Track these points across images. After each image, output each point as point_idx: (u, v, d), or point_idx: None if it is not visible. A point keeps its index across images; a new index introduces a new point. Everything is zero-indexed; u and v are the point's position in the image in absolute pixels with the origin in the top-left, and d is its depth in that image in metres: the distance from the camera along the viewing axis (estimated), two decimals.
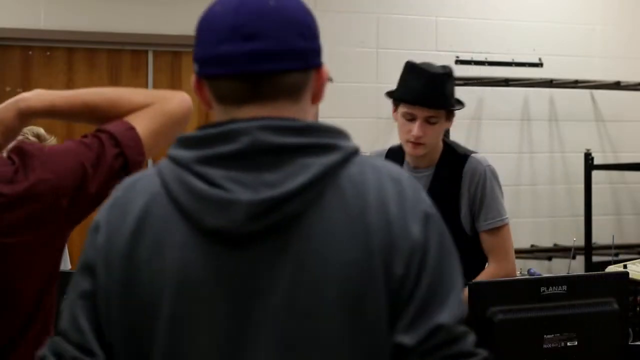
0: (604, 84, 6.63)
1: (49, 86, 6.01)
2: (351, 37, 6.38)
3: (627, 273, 2.93)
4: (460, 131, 6.44)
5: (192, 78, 1.52)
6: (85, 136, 1.91)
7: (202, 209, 1.39)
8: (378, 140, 6.30)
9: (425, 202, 1.46)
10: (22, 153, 1.85)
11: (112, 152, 1.87)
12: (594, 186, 6.42)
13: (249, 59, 1.43)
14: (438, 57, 6.48)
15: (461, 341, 1.41)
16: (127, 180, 1.52)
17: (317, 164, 1.40)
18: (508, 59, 6.63)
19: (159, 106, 1.97)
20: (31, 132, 4.07)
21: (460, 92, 6.43)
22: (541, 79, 6.48)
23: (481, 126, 6.59)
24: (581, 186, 6.45)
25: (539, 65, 6.65)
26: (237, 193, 1.38)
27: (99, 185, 1.86)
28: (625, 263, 3.74)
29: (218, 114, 1.49)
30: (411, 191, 1.45)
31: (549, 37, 6.69)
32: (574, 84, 6.55)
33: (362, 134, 6.49)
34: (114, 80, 6.15)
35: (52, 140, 4.07)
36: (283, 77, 1.44)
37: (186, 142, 1.44)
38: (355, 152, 1.45)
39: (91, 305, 1.45)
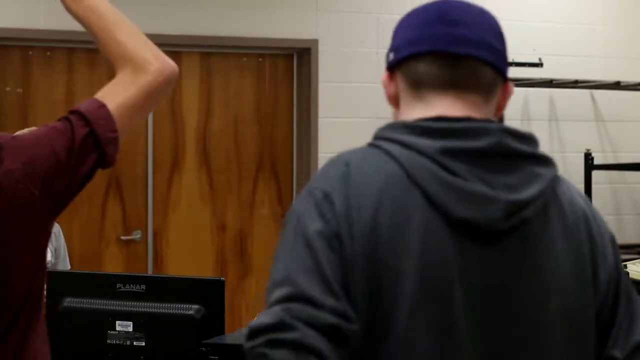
0: (604, 84, 6.63)
1: (49, 86, 6.02)
2: (351, 37, 6.38)
3: (627, 273, 2.93)
4: None
5: (383, 75, 1.58)
6: (58, 120, 1.89)
7: (452, 198, 1.43)
8: None
9: (607, 225, 1.60)
10: None
11: (82, 132, 1.84)
12: (594, 186, 6.41)
13: (453, 40, 1.51)
14: None
15: None
16: (338, 159, 1.51)
17: (546, 175, 1.50)
18: (508, 59, 6.62)
19: (132, 77, 1.94)
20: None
21: None
22: (541, 79, 6.48)
23: None
24: (581, 186, 6.45)
25: (539, 65, 6.65)
26: (496, 190, 1.44)
27: (71, 172, 1.84)
28: (625, 263, 3.75)
29: (409, 102, 1.53)
30: (598, 214, 1.59)
31: (549, 37, 6.69)
32: (574, 84, 6.55)
33: (362, 134, 6.48)
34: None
35: None
36: (480, 67, 1.52)
37: (423, 131, 1.47)
38: None
39: (341, 274, 1.41)
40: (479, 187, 1.44)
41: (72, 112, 1.89)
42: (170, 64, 1.98)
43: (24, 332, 1.88)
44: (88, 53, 6.10)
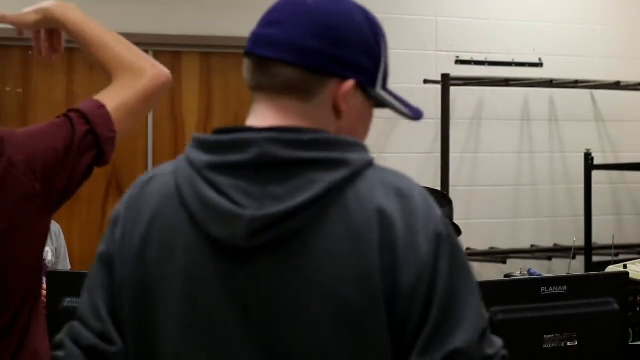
0: (604, 84, 6.63)
1: (49, 86, 6.02)
2: None
3: (627, 273, 2.93)
4: (460, 131, 6.44)
5: None
6: (57, 117, 1.94)
7: (209, 217, 1.41)
8: (378, 140, 6.30)
9: (437, 219, 1.41)
10: None
11: (82, 129, 1.91)
12: (594, 186, 6.41)
13: (259, 41, 1.49)
14: (438, 57, 6.48)
15: None
16: (144, 177, 1.54)
17: (322, 181, 1.38)
18: (508, 59, 6.62)
19: (130, 82, 2.03)
20: None
21: (460, 92, 6.46)
22: (541, 79, 6.48)
23: (481, 126, 6.59)
24: (581, 186, 6.45)
25: (539, 65, 6.65)
26: (242, 206, 1.38)
27: (71, 167, 1.88)
28: (625, 263, 3.75)
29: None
30: (422, 208, 1.41)
31: (549, 37, 6.69)
32: (574, 84, 6.55)
33: None
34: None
35: None
36: (285, 69, 1.45)
37: (201, 145, 1.45)
38: (367, 165, 1.43)
39: (110, 296, 1.50)
40: (225, 204, 1.39)
41: (72, 110, 1.94)
42: (165, 71, 2.09)
43: (24, 330, 1.88)
44: None
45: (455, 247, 1.42)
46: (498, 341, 1.42)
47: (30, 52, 6.03)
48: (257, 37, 1.50)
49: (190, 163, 1.44)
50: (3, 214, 1.81)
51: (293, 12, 1.48)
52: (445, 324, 1.37)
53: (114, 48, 2.10)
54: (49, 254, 4.08)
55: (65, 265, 4.29)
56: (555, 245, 6.68)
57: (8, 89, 5.99)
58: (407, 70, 6.30)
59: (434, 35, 6.44)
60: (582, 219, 6.43)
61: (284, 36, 1.46)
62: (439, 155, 6.00)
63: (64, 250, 4.32)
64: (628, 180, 6.94)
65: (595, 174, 6.41)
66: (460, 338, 1.36)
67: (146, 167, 6.17)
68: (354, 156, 1.42)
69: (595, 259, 6.32)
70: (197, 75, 6.30)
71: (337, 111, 1.47)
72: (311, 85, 1.46)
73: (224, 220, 1.39)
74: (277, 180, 1.39)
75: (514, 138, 6.69)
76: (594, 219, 6.41)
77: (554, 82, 6.48)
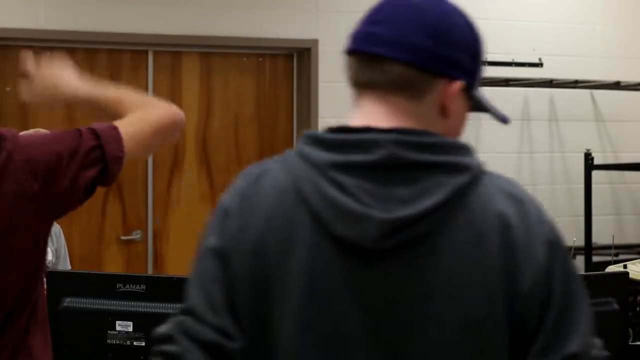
0: (604, 84, 6.63)
1: None
2: None
3: (627, 273, 2.93)
4: None
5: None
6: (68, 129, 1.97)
7: (334, 216, 1.40)
8: None
9: (549, 224, 1.46)
10: None
11: (90, 143, 1.92)
12: (594, 186, 6.41)
13: (367, 39, 1.47)
14: None
15: None
16: (253, 171, 1.51)
17: (449, 184, 1.40)
18: (508, 59, 6.62)
19: (141, 114, 2.07)
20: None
21: None
22: (541, 79, 6.48)
23: (481, 126, 6.59)
24: (581, 186, 6.45)
25: (539, 65, 6.65)
26: (371, 207, 1.38)
27: (73, 175, 1.88)
28: (625, 263, 3.75)
29: (353, 100, 1.52)
30: (535, 214, 1.45)
31: (549, 37, 6.69)
32: (574, 84, 6.55)
33: None
34: (114, 80, 6.13)
35: None
36: (397, 67, 1.45)
37: (319, 143, 1.44)
38: (482, 170, 1.46)
39: (226, 291, 1.44)
40: (352, 204, 1.38)
41: (85, 126, 1.95)
42: (179, 112, 2.13)
43: (22, 333, 1.88)
44: (88, 53, 6.10)
45: (566, 252, 1.47)
46: (598, 342, 1.47)
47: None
48: (365, 35, 1.48)
49: (307, 160, 1.43)
50: (2, 212, 1.82)
51: (400, 11, 1.47)
52: (562, 329, 1.41)
53: (130, 96, 2.17)
54: (49, 254, 4.08)
55: (65, 265, 4.30)
56: None
57: (8, 89, 6.00)
58: None
59: None
60: (582, 219, 6.43)
61: (394, 34, 1.45)
62: None
63: (64, 251, 4.32)
64: (628, 180, 6.94)
65: (595, 174, 6.41)
66: (576, 342, 1.41)
67: (146, 168, 6.17)
68: (471, 161, 1.44)
69: (595, 259, 6.32)
70: (197, 75, 6.30)
71: (444, 111, 1.49)
72: (421, 84, 1.46)
73: (351, 221, 1.38)
74: (403, 183, 1.39)
75: (514, 138, 6.69)
76: (594, 219, 6.41)
77: (554, 82, 6.48)
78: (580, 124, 6.84)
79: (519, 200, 1.45)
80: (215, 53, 6.31)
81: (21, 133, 1.98)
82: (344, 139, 1.43)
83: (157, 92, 6.22)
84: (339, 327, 1.39)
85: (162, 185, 6.20)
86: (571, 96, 6.76)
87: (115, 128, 1.97)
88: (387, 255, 1.39)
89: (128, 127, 2.00)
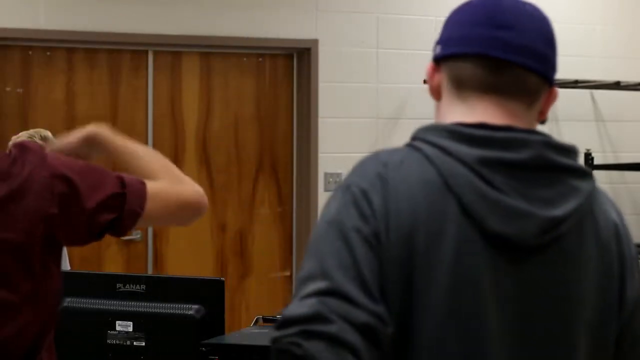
0: (604, 84, 6.63)
1: (49, 86, 6.02)
2: (351, 37, 6.38)
3: None
4: None
5: (428, 65, 1.57)
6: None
7: (488, 210, 1.41)
8: (378, 140, 6.31)
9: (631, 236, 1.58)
10: (22, 147, 1.85)
11: (115, 188, 1.87)
12: None
13: (497, 44, 1.48)
14: None
15: None
16: (386, 158, 1.46)
17: (584, 189, 1.48)
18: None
19: (172, 183, 1.99)
20: (38, 134, 4.05)
21: None
22: None
23: None
24: None
25: None
26: (533, 205, 1.42)
27: (92, 211, 1.82)
28: None
29: (450, 100, 1.51)
30: (626, 226, 1.57)
31: None
32: (574, 84, 6.55)
33: (362, 134, 6.50)
34: (114, 80, 6.15)
35: None
36: (525, 74, 1.50)
37: (463, 137, 1.44)
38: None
39: (378, 275, 1.38)
40: (515, 201, 1.42)
41: (115, 173, 1.91)
42: (205, 199, 2.03)
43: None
44: (88, 53, 6.11)
45: None
46: None
47: (30, 52, 6.04)
48: (493, 40, 1.49)
49: (450, 154, 1.43)
50: (19, 225, 1.80)
51: (521, 17, 1.52)
52: None
53: (152, 156, 2.10)
54: None
55: (65, 265, 4.30)
56: None
57: (8, 89, 5.99)
58: (407, 70, 6.30)
59: (434, 35, 6.42)
60: None
61: (524, 42, 1.50)
62: None
63: (64, 251, 4.32)
64: (628, 180, 6.94)
65: (595, 174, 6.37)
66: None
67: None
68: (588, 168, 1.56)
69: None
70: (197, 75, 6.30)
71: (541, 116, 1.55)
72: (537, 92, 1.52)
73: (509, 217, 1.41)
74: (545, 184, 1.44)
75: None
76: None
77: (554, 82, 6.47)
78: (580, 124, 6.84)
79: (619, 212, 1.57)
80: (215, 53, 6.31)
81: (48, 150, 1.94)
82: (490, 135, 1.44)
83: (157, 92, 6.23)
84: (479, 322, 1.41)
85: None
86: (571, 96, 6.76)
87: (143, 184, 1.92)
88: (534, 252, 1.44)
89: (156, 189, 1.94)
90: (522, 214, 1.41)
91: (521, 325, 1.44)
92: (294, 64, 6.48)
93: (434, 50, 1.57)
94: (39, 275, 1.82)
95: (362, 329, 1.33)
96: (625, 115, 6.96)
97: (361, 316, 1.33)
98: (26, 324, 1.82)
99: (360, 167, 1.46)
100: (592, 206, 1.49)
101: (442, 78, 1.54)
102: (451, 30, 1.54)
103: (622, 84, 6.61)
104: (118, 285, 3.01)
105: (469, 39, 1.50)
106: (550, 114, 6.62)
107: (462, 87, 1.50)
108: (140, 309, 2.96)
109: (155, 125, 6.22)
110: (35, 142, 1.90)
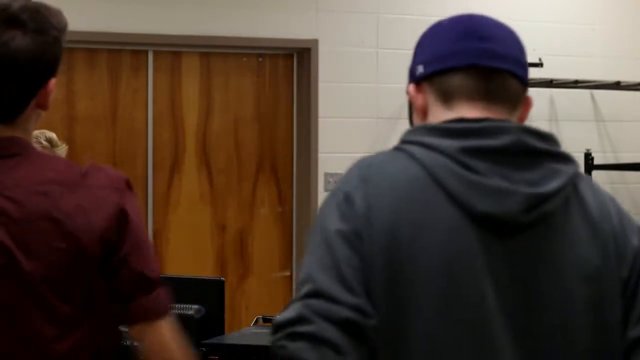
0: (604, 84, 6.63)
1: None
2: (351, 37, 6.38)
3: None
4: None
5: (409, 88, 1.63)
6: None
7: (473, 194, 1.48)
8: (378, 140, 6.30)
9: (629, 216, 1.63)
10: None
11: (154, 274, 1.92)
12: None
13: (485, 54, 1.57)
14: None
15: None
16: (367, 161, 1.56)
17: (567, 171, 1.53)
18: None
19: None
20: (44, 135, 4.02)
21: None
22: (541, 79, 6.47)
23: None
24: None
25: (539, 65, 6.64)
26: (517, 184, 1.48)
27: (115, 267, 1.83)
28: None
29: (439, 113, 1.57)
30: (622, 209, 1.62)
31: (549, 37, 6.69)
32: (574, 84, 6.55)
33: (362, 134, 6.49)
34: (114, 80, 6.15)
35: (63, 147, 4.03)
36: (509, 80, 1.58)
37: (443, 132, 1.52)
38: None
39: (360, 272, 1.46)
40: (498, 182, 1.48)
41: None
42: None
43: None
44: (88, 53, 6.10)
45: None
46: None
47: None
48: (480, 51, 1.57)
49: (433, 148, 1.50)
50: (60, 260, 1.77)
51: (496, 29, 1.64)
52: None
53: None
54: None
55: None
56: None
57: None
58: (407, 70, 6.29)
59: None
60: None
61: (506, 51, 1.60)
62: None
63: None
64: (628, 180, 6.94)
65: (595, 174, 6.41)
66: None
67: (146, 168, 6.17)
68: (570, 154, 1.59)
69: None
70: (197, 75, 6.30)
71: (520, 121, 1.62)
72: (520, 97, 1.61)
73: (495, 197, 1.47)
74: (527, 167, 1.51)
75: None
76: None
77: (554, 82, 6.48)
78: (580, 124, 6.84)
79: (611, 197, 1.62)
80: (215, 53, 6.30)
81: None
82: (468, 126, 1.51)
83: (157, 92, 6.23)
84: (477, 308, 1.46)
85: (162, 185, 6.20)
86: (571, 96, 6.76)
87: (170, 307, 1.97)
88: (523, 231, 1.50)
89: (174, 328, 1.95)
90: (505, 193, 1.48)
91: (521, 302, 1.49)
92: (294, 64, 6.48)
93: (414, 72, 1.63)
94: (98, 291, 1.82)
95: (343, 325, 1.41)
96: (625, 115, 6.96)
97: (342, 312, 1.42)
98: (86, 337, 1.82)
99: (346, 174, 1.55)
100: (577, 187, 1.55)
101: (428, 96, 1.60)
102: (430, 50, 1.60)
103: (622, 84, 6.61)
104: None
105: (456, 52, 1.57)
106: (550, 114, 6.60)
107: (451, 98, 1.57)
108: None
109: (155, 125, 6.22)
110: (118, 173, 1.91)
